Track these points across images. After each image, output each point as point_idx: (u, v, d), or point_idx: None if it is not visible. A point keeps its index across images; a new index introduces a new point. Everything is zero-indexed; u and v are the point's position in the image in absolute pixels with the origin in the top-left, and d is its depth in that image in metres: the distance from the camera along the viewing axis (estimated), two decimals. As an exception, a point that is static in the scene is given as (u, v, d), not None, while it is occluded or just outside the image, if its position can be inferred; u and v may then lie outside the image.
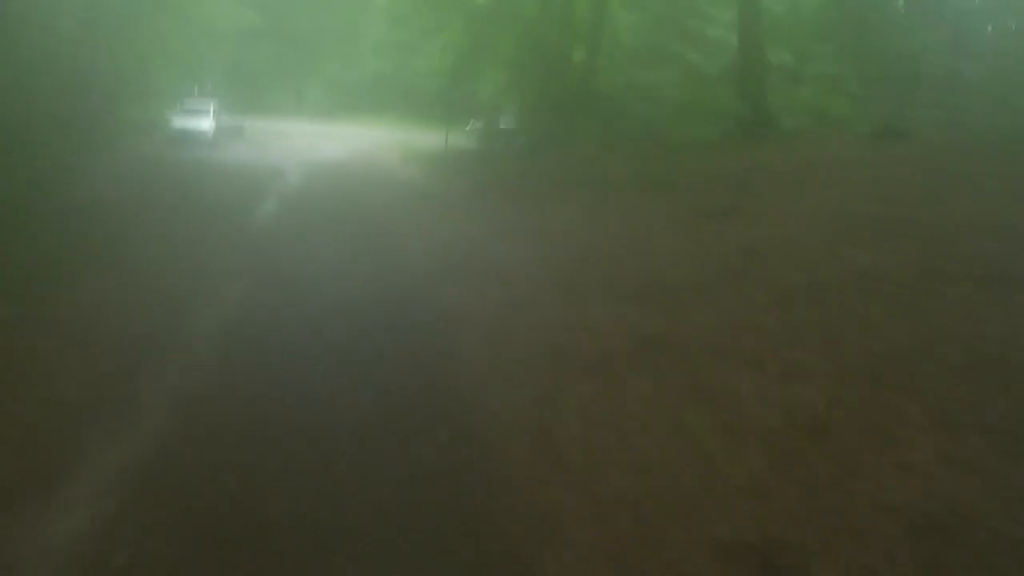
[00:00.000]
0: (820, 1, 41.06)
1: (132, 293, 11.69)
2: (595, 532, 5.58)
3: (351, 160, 37.50)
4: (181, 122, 40.81)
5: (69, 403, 7.45)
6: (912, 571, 5.03)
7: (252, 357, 9.09)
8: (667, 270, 13.12)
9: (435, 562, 5.24)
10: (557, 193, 22.67)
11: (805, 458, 6.44)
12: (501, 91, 41.10)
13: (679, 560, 5.23)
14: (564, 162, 28.98)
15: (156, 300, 11.33)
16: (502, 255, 15.18)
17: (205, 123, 40.95)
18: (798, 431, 6.88)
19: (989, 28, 45.56)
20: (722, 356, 8.82)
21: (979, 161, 18.42)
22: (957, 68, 38.74)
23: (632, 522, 5.70)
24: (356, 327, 10.42)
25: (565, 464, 6.59)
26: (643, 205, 19.08)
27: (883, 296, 9.95)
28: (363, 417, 7.42)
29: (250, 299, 11.73)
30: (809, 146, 24.98)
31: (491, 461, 6.63)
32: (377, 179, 30.07)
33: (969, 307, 9.15)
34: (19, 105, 25.51)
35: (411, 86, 59.86)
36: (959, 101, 36.51)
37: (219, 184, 26.11)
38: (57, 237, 14.79)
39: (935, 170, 17.60)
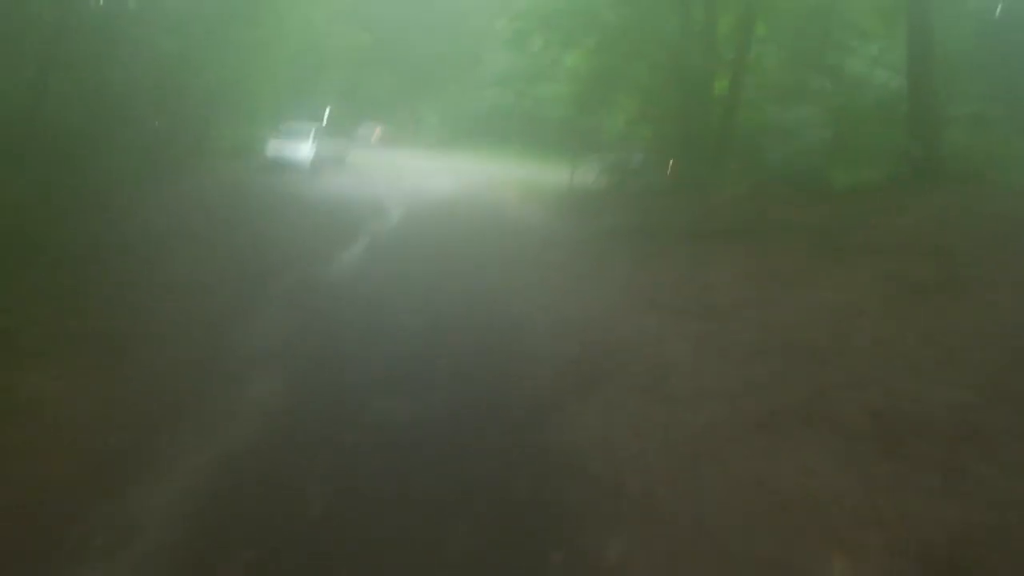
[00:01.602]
0: (966, 35, 36.45)
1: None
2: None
3: (464, 197, 33.54)
4: (276, 147, 37.74)
5: None
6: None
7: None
8: (900, 384, 8.96)
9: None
10: (709, 248, 18.56)
11: None
12: (632, 123, 36.91)
13: None
14: (709, 207, 24.87)
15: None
16: (660, 343, 11.11)
17: (303, 150, 37.68)
18: None
19: None
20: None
21: None
22: None
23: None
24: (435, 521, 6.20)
25: None
26: (824, 271, 14.86)
27: None
28: None
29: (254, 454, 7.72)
30: (1002, 197, 20.64)
31: None
32: (492, 222, 26.03)
33: None
34: (100, 130, 23.50)
35: (533, 117, 56.47)
36: None
37: (300, 222, 22.61)
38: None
39: None
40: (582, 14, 35.81)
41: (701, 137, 31.05)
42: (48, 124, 22.28)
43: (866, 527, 6.03)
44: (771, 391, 8.91)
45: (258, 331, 10.73)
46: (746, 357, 10.21)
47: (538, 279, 15.81)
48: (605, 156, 37.59)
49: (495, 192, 36.05)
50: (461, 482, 6.62)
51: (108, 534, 5.51)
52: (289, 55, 45.42)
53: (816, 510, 6.28)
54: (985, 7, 36.73)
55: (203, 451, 6.89)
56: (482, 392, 8.91)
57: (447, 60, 68.96)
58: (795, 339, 10.85)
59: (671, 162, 32.78)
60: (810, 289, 13.65)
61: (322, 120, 48.46)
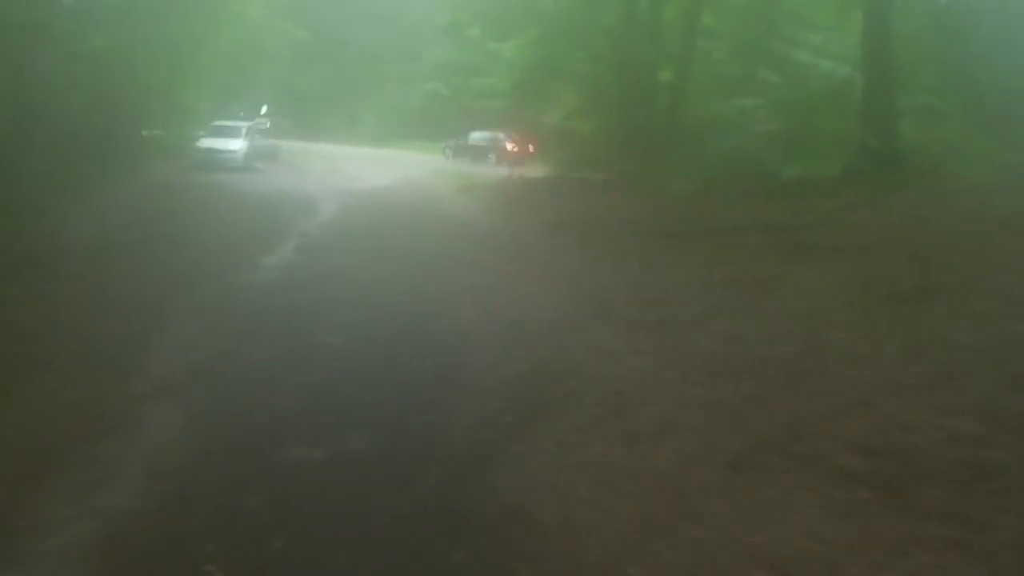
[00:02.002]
0: (916, 23, 35.45)
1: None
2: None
3: (399, 190, 32.24)
4: (208, 143, 36.33)
5: None
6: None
7: None
8: (889, 409, 7.82)
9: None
10: (661, 248, 17.47)
11: None
12: (571, 115, 35.60)
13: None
14: (657, 202, 23.68)
15: None
16: (614, 362, 9.90)
17: (235, 144, 36.59)
18: None
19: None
20: None
21: None
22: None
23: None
24: None
25: None
26: (788, 275, 13.69)
27: None
28: None
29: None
30: (970, 192, 19.63)
31: None
32: (428, 215, 24.76)
33: None
34: (20, 131, 21.87)
35: (471, 111, 55.16)
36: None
37: (226, 224, 21.22)
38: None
39: None
40: (521, 3, 34.72)
41: (645, 130, 29.91)
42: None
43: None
44: (744, 421, 7.72)
45: (159, 361, 9.38)
46: (711, 378, 9.01)
47: (478, 284, 14.55)
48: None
49: (432, 186, 34.69)
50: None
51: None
52: (223, 52, 44.25)
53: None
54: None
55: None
56: (412, 434, 7.63)
57: (385, 55, 67.46)
58: (764, 356, 9.66)
59: (612, 154, 31.49)
60: (775, 296, 12.49)
61: (258, 117, 47.14)
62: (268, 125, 48.33)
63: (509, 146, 42.90)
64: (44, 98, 24.09)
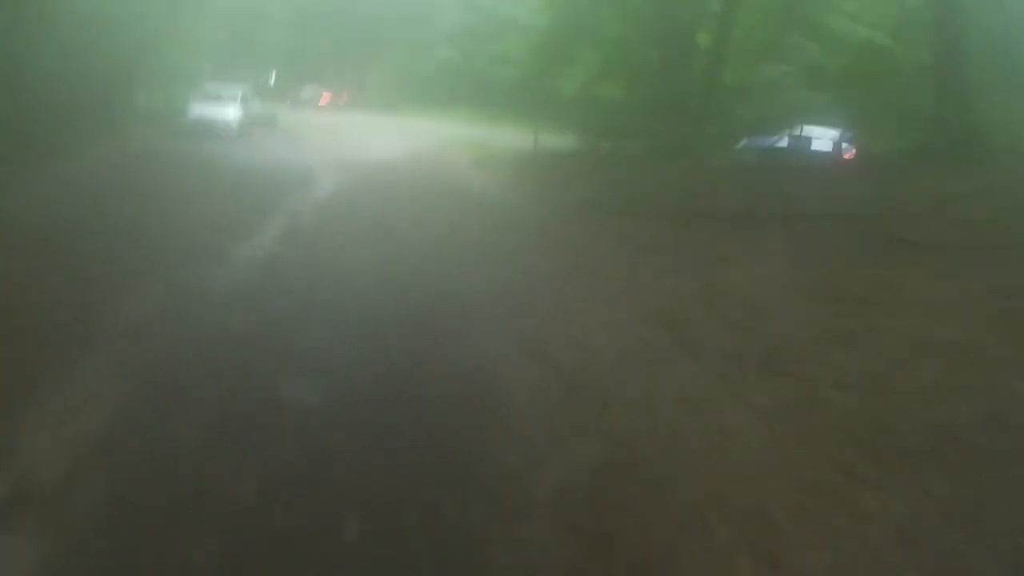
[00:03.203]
0: None
1: None
2: None
3: (407, 162, 29.05)
4: (200, 109, 33.19)
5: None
6: None
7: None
8: None
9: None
10: (721, 236, 14.62)
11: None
12: (595, 80, 32.31)
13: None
14: (704, 177, 20.70)
15: None
16: (719, 432, 6.67)
17: (229, 111, 33.40)
18: None
19: None
20: None
21: None
22: None
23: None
24: None
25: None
26: (906, 284, 10.81)
27: None
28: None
29: None
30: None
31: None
32: (441, 191, 21.70)
33: None
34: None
35: (484, 77, 52.42)
36: None
37: (208, 196, 18.23)
38: None
39: None
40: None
41: (683, 97, 26.78)
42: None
43: None
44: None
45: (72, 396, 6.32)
46: (880, 469, 5.92)
47: (506, 287, 11.41)
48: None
49: (444, 158, 31.30)
50: None
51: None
52: (223, 12, 42.44)
53: None
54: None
55: None
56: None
57: (393, 19, 64.32)
58: (936, 423, 6.62)
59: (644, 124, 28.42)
60: (903, 315, 9.53)
61: (266, 82, 44.89)
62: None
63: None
64: (19, 60, 22.39)
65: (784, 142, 24.95)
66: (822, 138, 24.78)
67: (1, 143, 18.31)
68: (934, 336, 8.69)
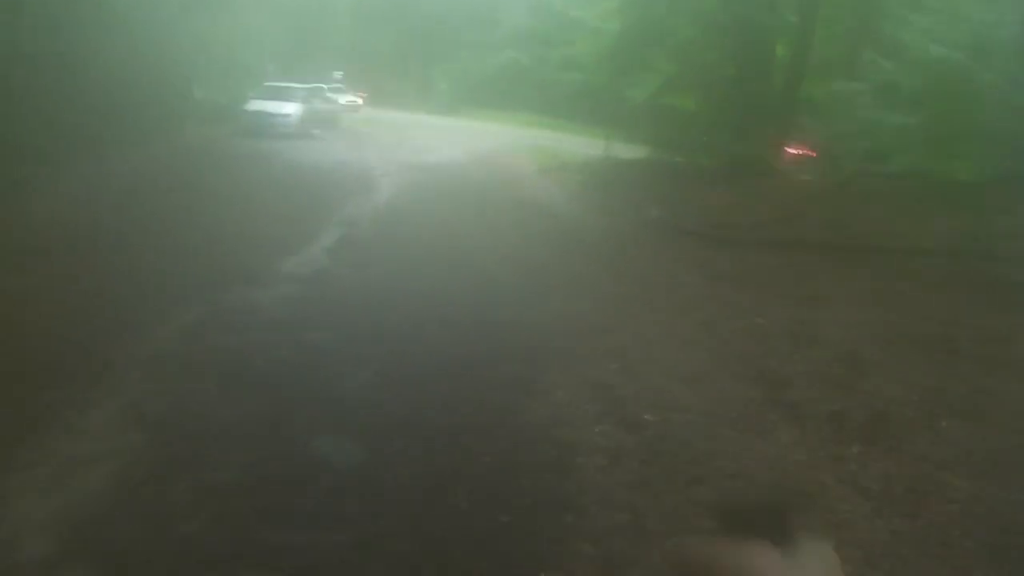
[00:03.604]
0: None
1: None
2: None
3: (471, 167, 27.92)
4: (259, 105, 32.24)
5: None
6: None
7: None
8: None
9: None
10: (813, 266, 13.46)
11: None
12: (667, 88, 30.89)
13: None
14: (784, 197, 19.41)
15: None
16: (841, 527, 5.43)
17: (289, 107, 32.36)
18: None
19: None
20: None
21: None
22: None
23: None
24: None
25: None
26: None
27: None
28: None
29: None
30: None
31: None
32: (505, 202, 20.51)
33: None
34: (59, 89, 19.62)
35: (552, 81, 51.37)
36: None
37: (260, 199, 17.44)
38: None
39: None
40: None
41: (760, 109, 25.39)
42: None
43: None
44: None
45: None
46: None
47: (577, 319, 10.23)
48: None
49: (509, 165, 30.05)
50: None
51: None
52: (287, 8, 41.56)
53: None
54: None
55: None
56: None
57: (460, 19, 63.52)
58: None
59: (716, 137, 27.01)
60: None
61: (329, 82, 44.52)
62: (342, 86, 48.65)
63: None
64: (70, 57, 21.11)
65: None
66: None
67: (48, 141, 17.42)
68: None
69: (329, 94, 43.70)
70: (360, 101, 49.80)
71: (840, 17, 29.28)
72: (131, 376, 7.08)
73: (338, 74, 53.51)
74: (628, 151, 28.78)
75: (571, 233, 16.55)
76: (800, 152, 29.00)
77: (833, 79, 28.67)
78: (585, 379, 7.88)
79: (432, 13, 63.77)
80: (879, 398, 7.79)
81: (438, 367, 7.96)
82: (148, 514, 4.94)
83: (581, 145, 33.93)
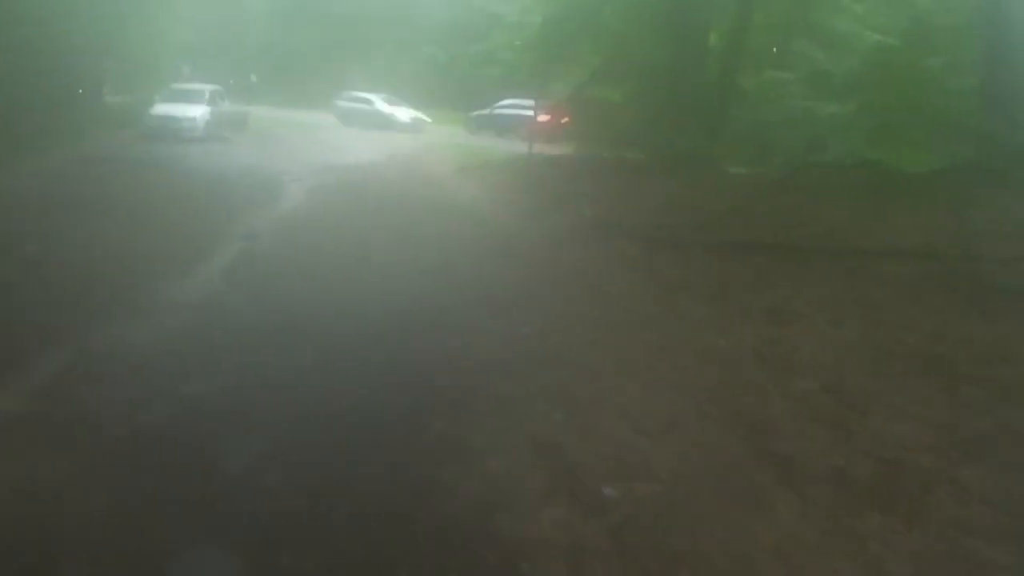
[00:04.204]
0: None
1: None
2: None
3: (388, 167, 26.26)
4: (164, 109, 30.49)
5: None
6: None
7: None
8: None
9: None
10: (771, 271, 11.96)
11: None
12: (596, 80, 29.33)
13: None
14: (725, 193, 17.94)
15: None
16: None
17: (195, 111, 30.65)
18: None
19: None
20: None
21: None
22: None
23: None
24: None
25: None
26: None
27: None
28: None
29: None
30: None
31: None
32: (424, 205, 18.92)
33: None
34: None
35: (471, 77, 50.33)
36: None
37: (152, 212, 15.73)
38: None
39: None
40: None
41: (694, 101, 24.02)
42: None
43: None
44: None
45: None
46: None
47: (510, 347, 8.65)
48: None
49: (429, 163, 28.33)
50: None
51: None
52: (198, 9, 43.26)
53: None
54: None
55: None
56: None
57: (376, 17, 61.95)
58: None
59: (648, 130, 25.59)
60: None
61: (227, 80, 43.06)
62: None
63: (541, 118, 32.29)
64: None
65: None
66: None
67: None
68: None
69: (381, 106, 43.94)
70: (428, 119, 46.31)
71: (772, 5, 27.96)
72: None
73: (253, 78, 51.90)
74: (553, 148, 27.30)
75: (498, 239, 14.93)
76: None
77: (764, 69, 27.61)
78: (526, 435, 6.31)
79: (349, 11, 62.24)
80: (885, 443, 6.35)
81: (345, 429, 6.35)
82: None
83: (503, 143, 32.47)
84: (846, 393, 7.36)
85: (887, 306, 9.99)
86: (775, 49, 29.21)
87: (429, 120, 44.18)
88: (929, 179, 17.25)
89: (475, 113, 42.94)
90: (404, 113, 44.24)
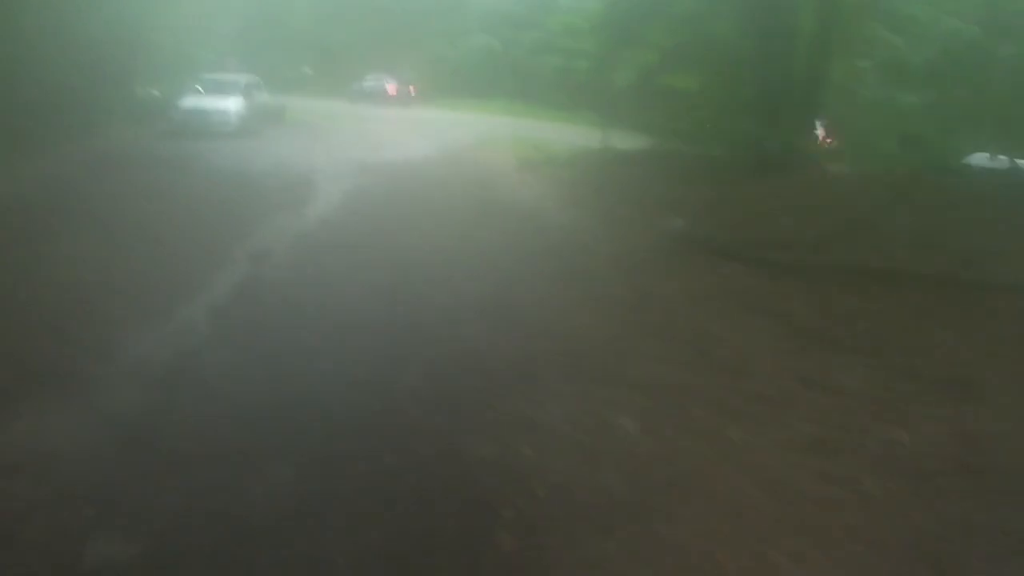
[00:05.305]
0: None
1: None
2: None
3: (436, 164, 23.33)
4: (193, 101, 27.86)
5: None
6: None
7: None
8: None
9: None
10: (922, 312, 9.30)
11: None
12: (662, 68, 26.27)
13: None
14: (839, 199, 15.03)
15: None
16: None
17: (227, 103, 27.83)
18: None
19: None
20: None
21: None
22: None
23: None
24: None
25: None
26: None
27: None
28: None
29: None
30: None
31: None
32: (477, 208, 16.31)
33: None
34: None
35: (528, 65, 48.82)
36: None
37: (156, 222, 13.12)
38: None
39: None
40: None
41: (784, 89, 20.99)
42: None
43: None
44: None
45: None
46: None
47: (592, 436, 5.87)
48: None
49: (483, 161, 25.18)
50: None
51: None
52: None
53: None
54: None
55: None
56: None
57: (426, 5, 59.57)
58: None
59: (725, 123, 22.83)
60: None
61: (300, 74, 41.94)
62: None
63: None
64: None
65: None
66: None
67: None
68: None
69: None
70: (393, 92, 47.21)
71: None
72: None
73: (306, 70, 50.49)
74: (625, 141, 24.38)
75: (568, 260, 11.96)
76: (823, 138, 25.13)
77: (846, 57, 24.77)
78: None
79: (398, 1, 59.97)
80: None
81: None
82: None
83: (566, 134, 29.62)
84: None
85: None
86: (854, 36, 26.29)
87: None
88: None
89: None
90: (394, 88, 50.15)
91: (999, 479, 5.54)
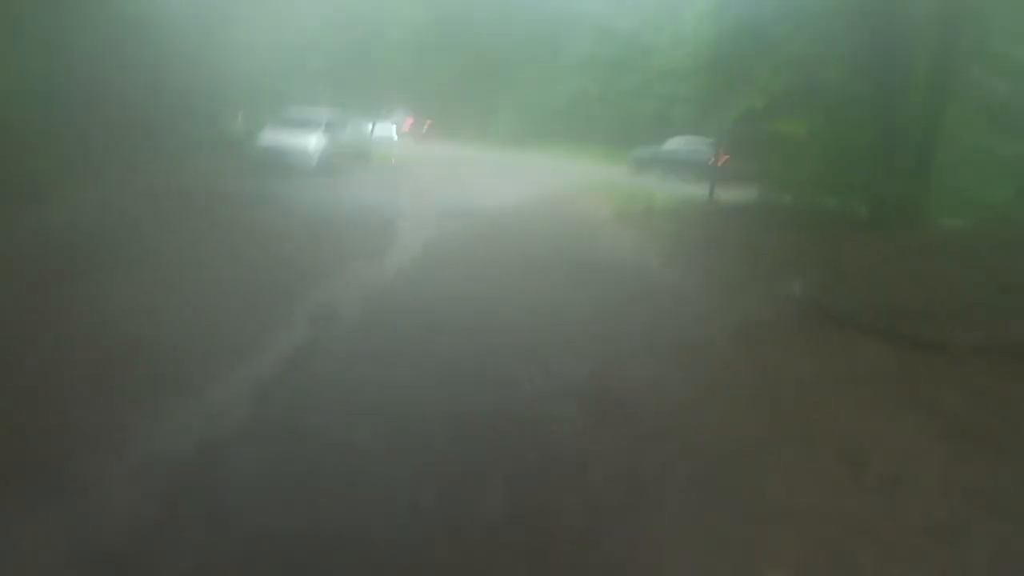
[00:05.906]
0: None
1: None
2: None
3: (528, 213, 21.97)
4: (271, 139, 27.10)
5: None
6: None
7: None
8: None
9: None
10: None
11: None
12: (766, 111, 24.68)
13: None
14: (968, 258, 13.42)
15: None
16: None
17: (308, 141, 27.08)
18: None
19: None
20: None
21: None
22: None
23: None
24: None
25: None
26: None
27: None
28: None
29: None
30: None
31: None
32: (573, 265, 14.86)
33: None
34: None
35: (626, 110, 48.22)
36: None
37: (206, 273, 11.79)
38: None
39: None
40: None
41: (899, 140, 19.40)
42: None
43: None
44: None
45: None
46: None
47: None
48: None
49: (578, 211, 23.67)
50: None
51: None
52: (331, 32, 41.51)
53: None
54: None
55: None
56: None
57: (522, 44, 58.97)
58: None
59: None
60: None
61: (392, 118, 47.34)
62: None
63: (712, 159, 28.33)
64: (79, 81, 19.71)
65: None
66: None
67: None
68: None
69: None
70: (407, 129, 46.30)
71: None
72: None
73: (402, 113, 50.51)
74: (729, 190, 22.93)
75: (677, 331, 10.35)
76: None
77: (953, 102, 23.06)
78: None
79: (493, 36, 59.39)
80: None
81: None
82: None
83: (664, 183, 28.23)
84: None
85: None
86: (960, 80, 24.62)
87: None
88: None
89: (639, 152, 38.22)
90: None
91: None
